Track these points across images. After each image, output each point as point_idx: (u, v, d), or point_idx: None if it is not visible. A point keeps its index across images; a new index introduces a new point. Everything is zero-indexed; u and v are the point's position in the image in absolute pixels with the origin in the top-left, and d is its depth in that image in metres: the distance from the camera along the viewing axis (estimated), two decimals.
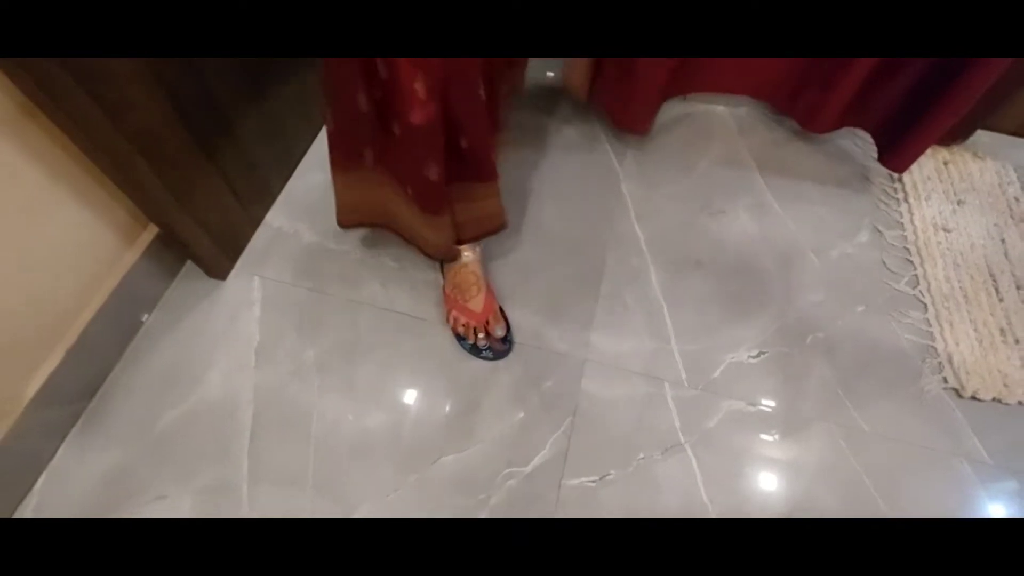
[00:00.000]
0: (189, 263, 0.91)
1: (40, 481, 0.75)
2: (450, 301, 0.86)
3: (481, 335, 0.84)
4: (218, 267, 0.90)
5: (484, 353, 0.85)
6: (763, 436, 0.81)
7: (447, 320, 0.87)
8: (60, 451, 0.77)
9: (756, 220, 1.01)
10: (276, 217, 0.98)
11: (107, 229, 0.78)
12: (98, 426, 0.79)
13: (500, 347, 0.85)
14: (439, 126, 0.61)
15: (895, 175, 1.06)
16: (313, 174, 1.03)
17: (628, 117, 1.01)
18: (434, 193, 0.69)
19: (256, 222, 0.97)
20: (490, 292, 0.87)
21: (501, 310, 0.88)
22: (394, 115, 0.61)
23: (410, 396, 0.83)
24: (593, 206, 1.02)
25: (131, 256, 0.83)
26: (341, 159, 0.73)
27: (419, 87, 0.56)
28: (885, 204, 1.03)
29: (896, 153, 0.97)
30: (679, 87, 1.04)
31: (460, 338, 0.86)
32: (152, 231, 0.84)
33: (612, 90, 0.97)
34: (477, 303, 0.84)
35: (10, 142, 0.62)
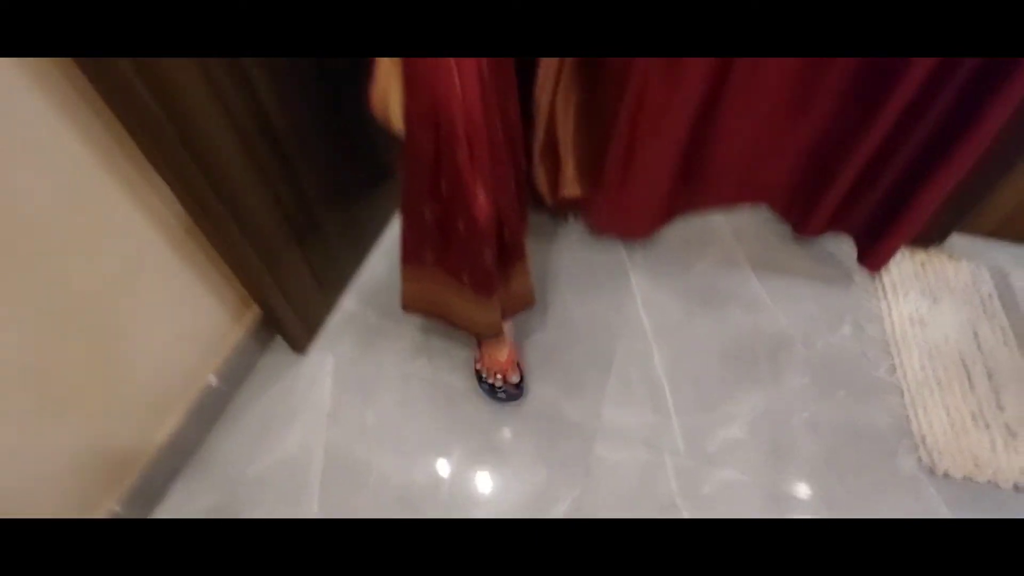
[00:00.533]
0: (278, 339, 1.13)
1: (155, 513, 0.94)
2: (481, 353, 1.04)
3: (499, 376, 1.02)
4: (301, 343, 1.11)
5: (499, 394, 1.02)
6: (751, 503, 0.93)
7: (474, 364, 1.05)
8: (171, 491, 0.96)
9: (750, 313, 1.17)
10: (348, 301, 1.20)
11: (221, 309, 1.01)
12: (202, 472, 0.98)
13: (513, 391, 1.02)
14: (494, 220, 0.80)
15: (875, 275, 1.21)
16: (379, 267, 1.26)
17: (632, 228, 1.20)
18: (488, 276, 0.86)
19: (332, 305, 1.19)
20: (513, 347, 1.05)
21: (519, 364, 1.05)
22: (459, 217, 0.78)
23: (449, 455, 1.00)
24: (605, 295, 1.20)
25: (237, 332, 1.05)
26: (410, 255, 0.92)
27: (480, 193, 0.74)
28: (867, 301, 1.18)
29: (872, 255, 1.13)
30: (684, 204, 1.21)
31: (481, 379, 1.03)
32: (253, 311, 1.07)
33: (614, 208, 1.13)
34: (502, 354, 1.03)
35: (175, 255, 0.87)
